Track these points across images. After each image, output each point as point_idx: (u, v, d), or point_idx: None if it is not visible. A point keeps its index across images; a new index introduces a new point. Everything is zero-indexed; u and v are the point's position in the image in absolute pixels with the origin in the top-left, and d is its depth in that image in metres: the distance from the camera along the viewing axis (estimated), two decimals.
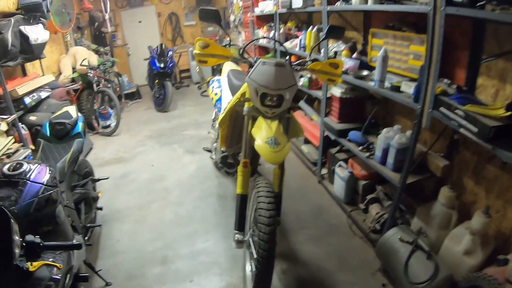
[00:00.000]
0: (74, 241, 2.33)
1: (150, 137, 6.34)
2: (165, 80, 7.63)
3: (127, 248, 3.46)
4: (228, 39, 3.12)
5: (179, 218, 3.89)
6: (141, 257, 3.34)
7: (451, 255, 2.61)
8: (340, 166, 3.88)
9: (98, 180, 3.72)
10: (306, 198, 4.16)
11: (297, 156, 5.14)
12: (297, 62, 2.88)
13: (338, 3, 3.53)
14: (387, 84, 2.99)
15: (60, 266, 1.76)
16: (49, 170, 2.30)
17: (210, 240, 3.52)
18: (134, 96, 8.94)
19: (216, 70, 9.26)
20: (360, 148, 3.42)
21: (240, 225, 2.71)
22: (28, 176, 2.12)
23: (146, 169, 5.08)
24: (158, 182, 4.67)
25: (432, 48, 2.32)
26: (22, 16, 4.38)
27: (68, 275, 1.94)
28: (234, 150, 3.36)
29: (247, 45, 3.04)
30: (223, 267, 3.19)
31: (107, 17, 8.60)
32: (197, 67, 9.30)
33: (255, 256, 2.39)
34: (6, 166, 2.14)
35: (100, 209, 3.65)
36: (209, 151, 4.36)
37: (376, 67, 2.98)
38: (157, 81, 7.71)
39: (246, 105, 2.65)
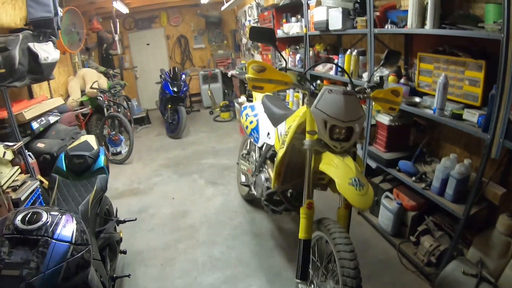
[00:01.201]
0: None
1: (166, 166, 5.87)
2: (178, 105, 7.25)
3: None
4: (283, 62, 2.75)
5: (213, 260, 3.42)
6: None
7: None
8: (387, 197, 3.61)
9: (124, 221, 3.24)
10: (349, 232, 3.73)
11: None
12: (357, 89, 2.54)
13: (387, 26, 3.35)
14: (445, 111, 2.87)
15: None
16: (76, 221, 1.80)
17: (253, 286, 3.08)
18: (143, 121, 8.54)
19: (227, 94, 8.96)
20: (414, 178, 3.23)
21: (303, 274, 2.36)
22: (50, 231, 1.61)
23: (166, 202, 4.60)
24: (181, 218, 4.20)
25: (505, 75, 2.22)
26: (31, 32, 3.97)
27: None
28: (286, 187, 2.98)
29: (307, 70, 2.71)
30: None
31: (117, 38, 8.26)
32: (209, 91, 8.98)
33: None
34: (19, 217, 1.62)
35: (124, 252, 3.18)
36: (247, 186, 3.92)
37: (436, 94, 2.83)
38: (170, 106, 7.34)
39: (308, 137, 2.32)
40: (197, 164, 5.87)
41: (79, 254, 1.65)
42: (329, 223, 2.27)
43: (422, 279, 3.11)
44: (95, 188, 2.57)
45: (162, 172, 5.58)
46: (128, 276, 2.88)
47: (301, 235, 2.32)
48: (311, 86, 2.47)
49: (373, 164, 3.77)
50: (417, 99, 3.19)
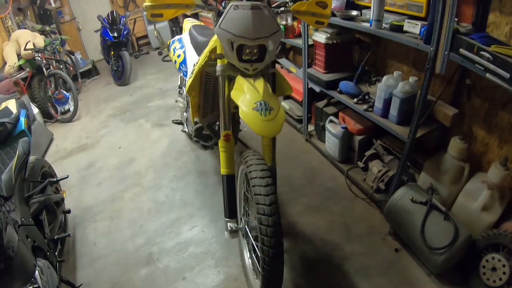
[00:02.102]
0: (36, 274, 1.83)
1: (113, 115, 5.70)
2: (121, 50, 6.95)
3: (106, 252, 3.00)
4: None
5: (158, 206, 3.42)
6: (124, 259, 2.90)
7: (466, 212, 2.47)
8: (331, 121, 3.54)
9: (57, 181, 3.15)
10: (296, 160, 3.77)
11: None
12: (276, 3, 2.32)
13: None
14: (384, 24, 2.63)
15: None
16: None
17: (197, 226, 3.11)
18: (91, 73, 8.14)
19: (176, 32, 8.66)
20: (355, 100, 3.10)
21: (231, 212, 2.26)
22: None
23: (113, 153, 4.50)
24: (128, 166, 4.14)
25: None
26: None
27: None
28: (209, 119, 2.89)
29: None
30: (217, 256, 2.81)
31: None
32: (155, 31, 8.62)
33: (260, 254, 1.92)
34: None
35: (68, 212, 3.14)
36: (180, 123, 3.83)
37: (372, 4, 2.58)
38: (112, 52, 7.03)
39: (219, 63, 2.13)
40: (144, 108, 5.73)
41: None
42: (248, 155, 2.10)
43: (372, 207, 3.12)
44: (17, 154, 2.46)
45: (109, 123, 5.42)
46: (68, 235, 2.82)
47: (223, 170, 2.22)
48: (220, 6, 2.19)
49: (316, 88, 3.61)
50: (354, 13, 2.99)
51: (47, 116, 5.77)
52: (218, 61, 2.15)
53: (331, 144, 3.58)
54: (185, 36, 3.41)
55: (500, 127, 2.51)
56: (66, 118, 5.84)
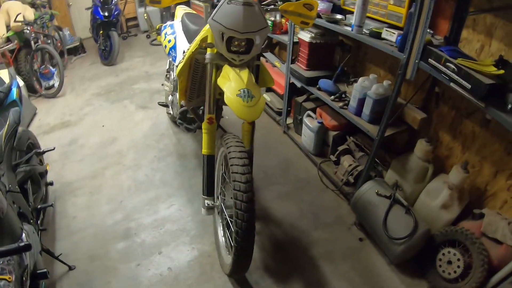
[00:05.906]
0: (23, 236, 1.95)
1: (98, 94, 5.75)
2: (110, 30, 6.95)
3: (85, 225, 3.13)
4: None
5: (137, 184, 3.56)
6: (102, 233, 3.04)
7: (427, 209, 2.69)
8: (309, 116, 3.71)
9: (44, 152, 3.24)
10: (272, 151, 3.95)
11: None
12: (266, 1, 2.50)
13: None
14: (364, 30, 2.82)
15: (9, 278, 1.44)
16: None
17: (175, 205, 3.27)
18: (78, 51, 8.09)
19: (166, 17, 8.65)
20: (332, 97, 3.29)
21: (209, 189, 2.45)
22: None
23: (96, 131, 4.59)
24: (110, 145, 4.24)
25: None
26: None
27: (24, 277, 1.62)
28: (195, 103, 3.03)
29: None
30: (192, 234, 2.98)
31: None
32: (145, 14, 8.64)
33: (233, 228, 2.11)
34: None
35: (51, 184, 3.26)
36: (165, 105, 3.95)
37: (355, 11, 2.76)
38: (101, 31, 7.03)
39: (209, 51, 2.32)
40: (129, 90, 5.79)
41: None
42: (228, 138, 2.28)
43: (341, 198, 3.34)
44: (7, 122, 2.56)
45: (93, 102, 5.48)
46: (51, 205, 2.91)
47: (204, 150, 2.40)
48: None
49: (298, 83, 3.77)
50: (338, 16, 3.15)
51: (31, 90, 5.80)
52: (208, 49, 2.31)
53: (307, 137, 3.75)
54: (177, 23, 3.53)
55: (463, 134, 2.72)
56: (51, 93, 5.88)
